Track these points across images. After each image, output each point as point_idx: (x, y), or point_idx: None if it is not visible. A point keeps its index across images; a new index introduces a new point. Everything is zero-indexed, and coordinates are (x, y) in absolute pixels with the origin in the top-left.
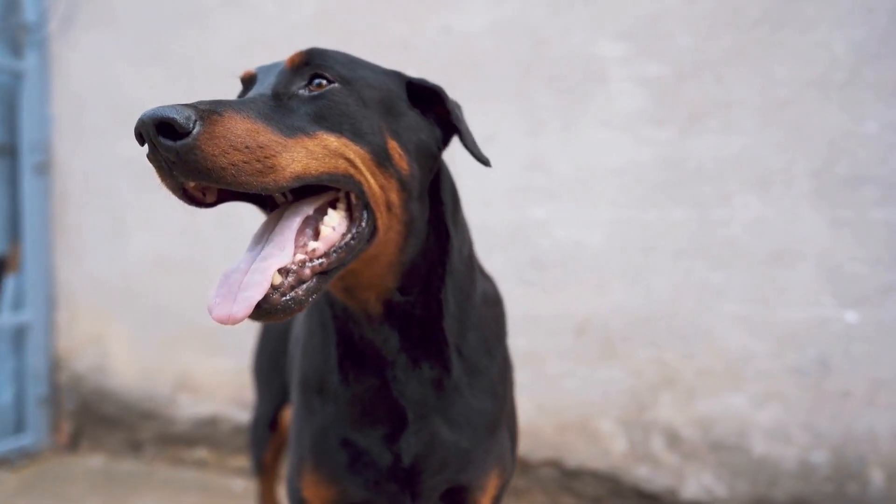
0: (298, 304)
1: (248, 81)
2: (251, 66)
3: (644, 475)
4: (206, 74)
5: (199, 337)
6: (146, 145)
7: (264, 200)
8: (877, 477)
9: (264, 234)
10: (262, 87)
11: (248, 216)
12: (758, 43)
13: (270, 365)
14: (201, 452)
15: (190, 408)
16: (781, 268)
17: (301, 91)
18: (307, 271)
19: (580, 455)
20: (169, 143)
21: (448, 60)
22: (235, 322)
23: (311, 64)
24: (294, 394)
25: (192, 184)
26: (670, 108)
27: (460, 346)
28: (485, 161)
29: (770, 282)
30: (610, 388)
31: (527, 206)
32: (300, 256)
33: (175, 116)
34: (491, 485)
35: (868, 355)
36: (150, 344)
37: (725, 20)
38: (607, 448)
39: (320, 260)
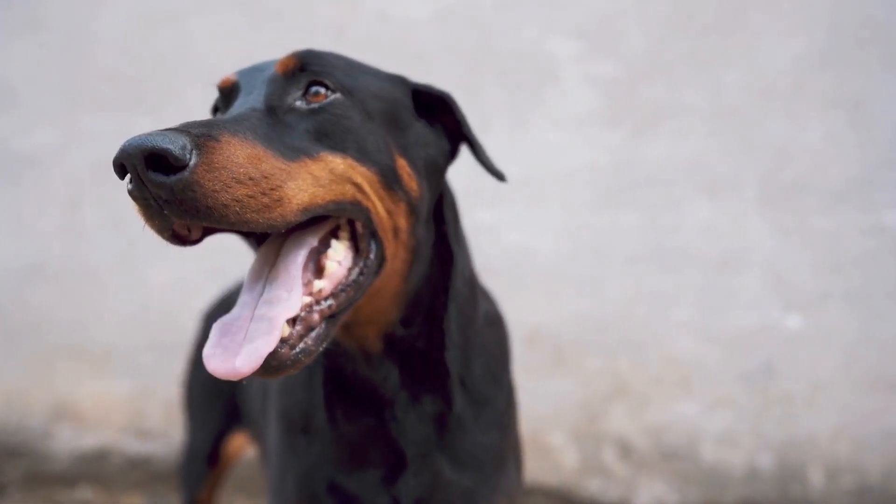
0: (308, 355)
1: (229, 91)
2: (151, 42)
3: (596, 488)
4: (94, 51)
5: (84, 357)
6: (127, 179)
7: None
8: (816, 476)
9: (263, 270)
10: (252, 99)
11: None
12: (708, 49)
13: (209, 389)
14: (85, 492)
15: (71, 441)
16: (729, 274)
17: (298, 103)
18: (316, 316)
19: (530, 471)
20: (161, 178)
21: (386, 49)
22: (239, 378)
23: (306, 70)
24: (272, 431)
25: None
26: (623, 111)
27: (464, 378)
28: (500, 176)
29: (719, 288)
30: (561, 399)
31: (473, 209)
32: (307, 299)
33: (169, 147)
34: None
35: (809, 359)
36: (16, 366)
37: (678, 24)
38: (558, 462)
39: (328, 302)
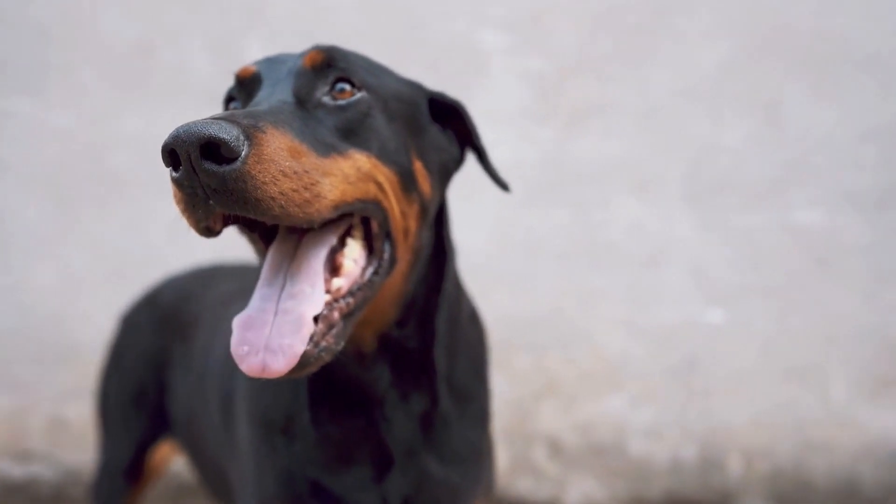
0: (330, 353)
1: (250, 81)
2: (34, 15)
3: (526, 488)
4: None
5: None
6: (175, 167)
7: (255, 225)
8: (734, 464)
9: (282, 264)
10: (280, 91)
11: (21, 200)
12: (635, 49)
13: (131, 395)
14: None
15: None
16: (656, 270)
17: (325, 98)
18: (335, 314)
19: None
20: (215, 167)
21: (305, 33)
22: (272, 376)
23: (333, 66)
24: (243, 433)
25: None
26: (553, 106)
27: (450, 376)
28: (505, 186)
29: (646, 284)
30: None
31: None
32: (327, 297)
33: (226, 137)
34: None
35: (729, 352)
36: None
37: (606, 22)
38: None
39: (346, 300)
